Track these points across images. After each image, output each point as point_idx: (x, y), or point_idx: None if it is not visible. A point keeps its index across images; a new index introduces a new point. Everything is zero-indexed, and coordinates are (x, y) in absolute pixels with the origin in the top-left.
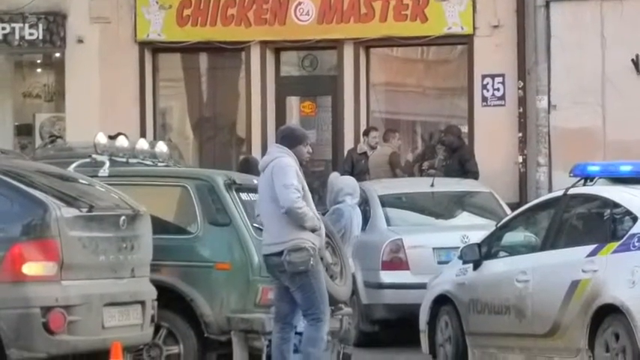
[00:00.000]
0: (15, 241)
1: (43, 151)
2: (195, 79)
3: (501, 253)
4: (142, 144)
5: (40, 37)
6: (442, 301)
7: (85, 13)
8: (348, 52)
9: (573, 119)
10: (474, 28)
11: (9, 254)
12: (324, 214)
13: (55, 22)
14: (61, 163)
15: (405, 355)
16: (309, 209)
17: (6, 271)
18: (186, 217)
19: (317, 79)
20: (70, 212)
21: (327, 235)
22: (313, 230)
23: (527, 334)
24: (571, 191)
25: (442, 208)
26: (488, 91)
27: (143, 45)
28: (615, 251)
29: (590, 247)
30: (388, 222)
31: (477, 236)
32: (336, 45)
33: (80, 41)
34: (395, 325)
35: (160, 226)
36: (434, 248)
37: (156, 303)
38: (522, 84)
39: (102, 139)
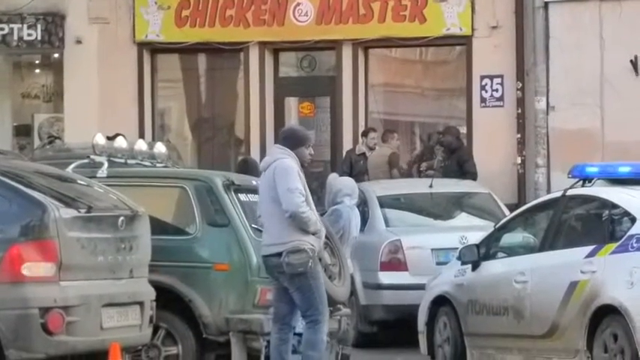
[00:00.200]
0: (13, 242)
1: (41, 152)
2: (194, 80)
3: (500, 254)
4: (141, 145)
5: (39, 38)
6: (441, 301)
7: (83, 13)
8: (347, 52)
9: (572, 120)
10: (473, 29)
11: (7, 255)
12: (322, 215)
13: (53, 22)
14: (60, 163)
15: (403, 355)
16: (312, 213)
17: (4, 271)
18: (184, 217)
19: (315, 79)
20: (68, 213)
21: (325, 236)
22: (315, 233)
23: (526, 335)
24: (570, 192)
25: (441, 209)
26: (486, 92)
27: (142, 46)
28: (614, 252)
29: (589, 248)
30: (387, 223)
31: (475, 237)
32: (334, 46)
33: (79, 42)
34: (393, 326)
35: (158, 226)
36: (432, 249)
37: (154, 304)
38: (521, 85)
39: (100, 139)
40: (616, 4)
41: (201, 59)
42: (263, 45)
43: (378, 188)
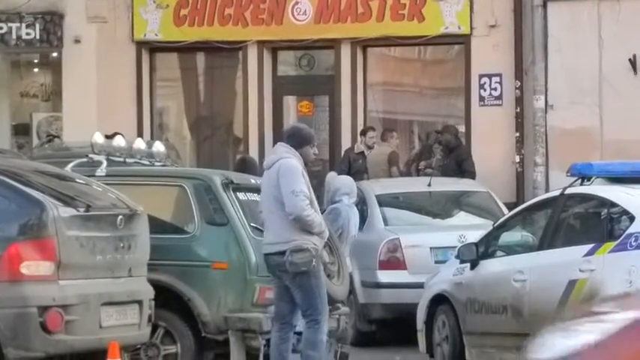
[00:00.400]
0: (12, 241)
1: (40, 151)
2: (193, 79)
3: (498, 253)
4: (139, 144)
5: (37, 37)
6: (439, 300)
7: (82, 12)
8: (345, 51)
9: (570, 119)
10: (471, 28)
11: (6, 254)
12: (321, 214)
13: (52, 21)
14: (59, 162)
15: (402, 354)
16: (316, 215)
17: (3, 270)
18: (183, 216)
19: (314, 78)
20: (67, 212)
21: None
22: (318, 234)
23: (525, 334)
24: (568, 191)
25: (439, 207)
26: (485, 90)
27: (140, 45)
28: (612, 251)
29: (588, 247)
30: (385, 221)
31: (474, 236)
32: (333, 44)
33: (77, 41)
34: (392, 325)
35: (157, 225)
36: (431, 248)
37: (153, 302)
38: (519, 84)
39: (99, 138)
40: (614, 3)
41: (200, 58)
42: (262, 44)
43: (377, 187)
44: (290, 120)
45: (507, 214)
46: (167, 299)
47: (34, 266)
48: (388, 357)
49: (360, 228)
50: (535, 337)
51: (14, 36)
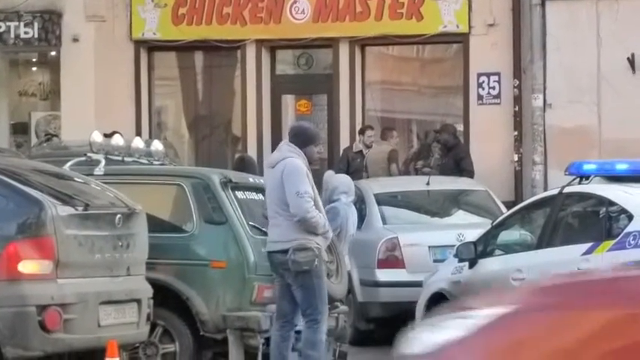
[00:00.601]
0: (11, 240)
1: (38, 150)
2: (191, 78)
3: (497, 252)
4: (138, 142)
5: (36, 36)
6: (438, 299)
7: (80, 11)
8: (344, 50)
9: (569, 118)
10: (470, 27)
11: (5, 252)
12: None
13: (50, 20)
14: (57, 161)
15: None
16: (320, 216)
17: (2, 269)
18: (182, 215)
19: (312, 77)
20: (65, 210)
21: None
22: (322, 234)
23: None
24: (567, 190)
25: (438, 206)
26: (483, 89)
27: (138, 43)
28: (611, 249)
29: (586, 246)
30: (384, 220)
31: (472, 234)
32: (331, 43)
33: (75, 40)
34: (391, 323)
35: (155, 224)
36: (429, 246)
37: (152, 301)
38: (518, 82)
39: (97, 137)
40: (613, 2)
41: (198, 57)
42: (260, 43)
43: (376, 186)
44: (289, 119)
45: (506, 212)
46: (166, 298)
47: (32, 265)
48: (386, 356)
49: (359, 227)
50: (407, 331)
51: (12, 35)
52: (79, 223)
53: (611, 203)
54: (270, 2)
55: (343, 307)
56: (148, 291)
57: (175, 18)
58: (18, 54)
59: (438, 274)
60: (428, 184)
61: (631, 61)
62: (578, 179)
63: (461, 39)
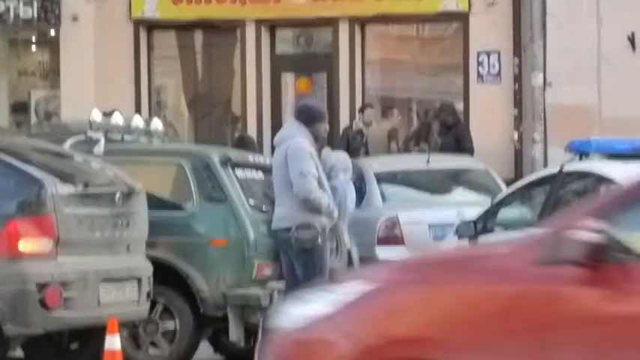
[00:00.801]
0: (10, 218)
1: (38, 129)
2: (191, 57)
3: (497, 230)
4: (137, 121)
5: (35, 15)
6: None
7: None
8: (344, 29)
9: (569, 96)
10: (470, 6)
11: (4, 231)
12: None
13: None
14: (57, 140)
15: None
16: (324, 196)
17: (2, 247)
18: (181, 193)
19: (312, 56)
20: (65, 189)
21: None
22: (327, 214)
23: None
24: (567, 167)
25: (438, 184)
26: (483, 68)
27: (138, 23)
28: None
29: None
30: (384, 198)
31: (472, 213)
32: (331, 22)
33: (75, 19)
34: None
35: (155, 202)
36: (429, 225)
37: (152, 279)
38: (518, 61)
39: (97, 116)
40: None
41: (198, 36)
42: (260, 22)
43: (375, 164)
44: (288, 98)
45: (506, 190)
46: (166, 276)
47: (32, 243)
48: None
49: (358, 205)
50: (279, 305)
51: (12, 14)
52: (78, 202)
53: (611, 181)
54: None
55: None
56: (148, 269)
57: None
58: (17, 33)
59: None
60: (428, 162)
61: (631, 40)
62: (578, 157)
63: (461, 18)
